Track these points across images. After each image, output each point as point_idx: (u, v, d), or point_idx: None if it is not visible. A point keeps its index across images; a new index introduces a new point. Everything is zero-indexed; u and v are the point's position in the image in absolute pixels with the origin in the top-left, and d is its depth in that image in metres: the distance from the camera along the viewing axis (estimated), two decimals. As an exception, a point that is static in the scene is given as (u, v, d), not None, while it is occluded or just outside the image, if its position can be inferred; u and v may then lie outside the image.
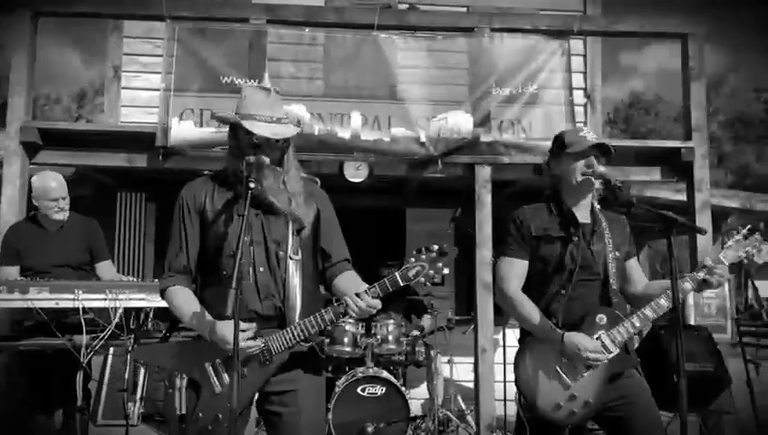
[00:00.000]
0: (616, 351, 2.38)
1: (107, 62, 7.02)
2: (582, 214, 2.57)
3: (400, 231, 6.99)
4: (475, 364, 4.87)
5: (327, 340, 4.96)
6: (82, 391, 3.82)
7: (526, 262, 2.54)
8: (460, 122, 4.98)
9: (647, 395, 2.43)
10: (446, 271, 2.13)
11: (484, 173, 4.95)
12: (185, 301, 2.23)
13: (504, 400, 5.08)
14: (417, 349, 5.50)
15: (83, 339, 3.44)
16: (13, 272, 3.90)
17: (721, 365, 4.25)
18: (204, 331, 2.16)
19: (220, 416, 2.16)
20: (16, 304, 3.42)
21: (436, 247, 2.14)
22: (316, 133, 4.88)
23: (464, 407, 5.72)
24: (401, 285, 2.13)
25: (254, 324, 2.14)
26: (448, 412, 5.46)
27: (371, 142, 4.92)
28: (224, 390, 2.18)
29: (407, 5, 6.65)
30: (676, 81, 5.03)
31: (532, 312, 2.45)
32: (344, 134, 4.88)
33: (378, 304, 2.12)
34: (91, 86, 30.44)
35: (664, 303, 2.39)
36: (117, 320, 3.50)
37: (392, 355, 5.28)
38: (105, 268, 4.17)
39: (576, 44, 6.11)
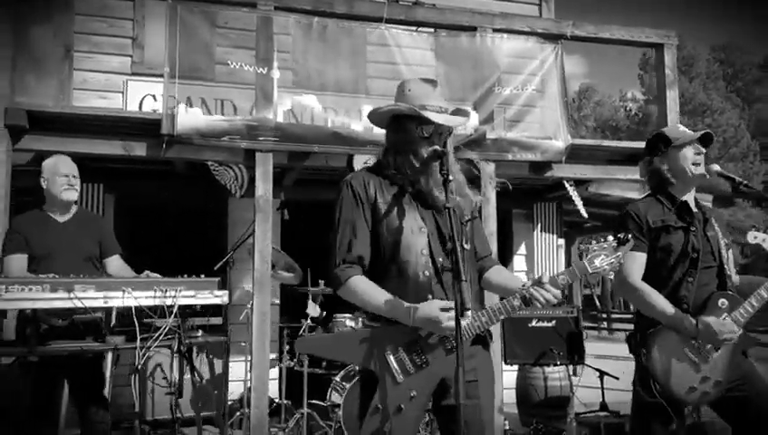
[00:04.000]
0: (740, 331, 2.59)
1: (55, 41, 6.40)
2: (691, 205, 2.77)
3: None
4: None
5: None
6: (139, 394, 3.51)
7: (645, 254, 2.69)
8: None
9: (760, 375, 2.66)
10: (622, 260, 2.22)
11: (489, 169, 5.10)
12: (374, 289, 2.16)
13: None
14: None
15: (137, 340, 3.19)
16: (21, 260, 3.59)
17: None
18: (404, 315, 2.09)
19: (403, 406, 2.10)
20: (59, 304, 3.10)
21: (612, 237, 2.22)
22: (329, 126, 4.80)
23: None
24: (589, 272, 2.19)
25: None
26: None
27: (383, 136, 4.88)
28: (406, 378, 2.13)
29: (410, 2, 6.66)
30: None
31: (659, 300, 2.60)
32: (357, 127, 4.83)
33: (559, 293, 2.18)
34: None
35: None
36: (171, 319, 3.28)
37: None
38: (115, 263, 3.90)
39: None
